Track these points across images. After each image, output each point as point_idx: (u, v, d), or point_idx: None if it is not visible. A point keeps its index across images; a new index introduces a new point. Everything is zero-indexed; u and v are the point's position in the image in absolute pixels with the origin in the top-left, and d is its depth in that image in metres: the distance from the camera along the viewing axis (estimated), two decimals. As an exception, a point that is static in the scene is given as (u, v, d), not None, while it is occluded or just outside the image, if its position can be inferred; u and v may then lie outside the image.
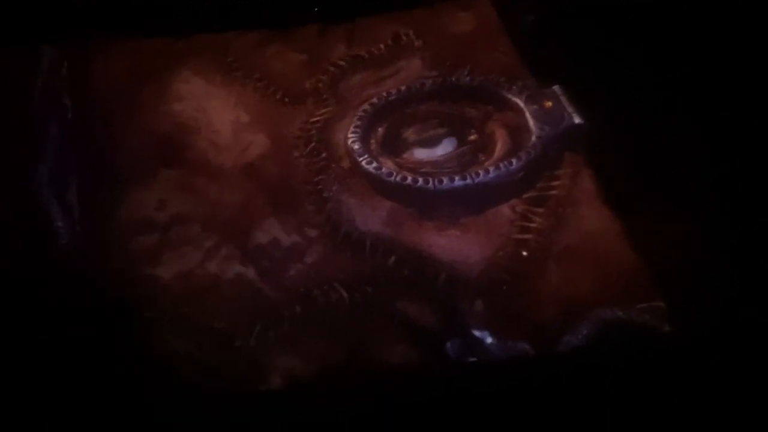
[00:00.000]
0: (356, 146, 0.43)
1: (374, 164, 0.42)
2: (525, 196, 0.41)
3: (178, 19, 0.49)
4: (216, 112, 0.46)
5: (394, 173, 0.42)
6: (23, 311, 0.37)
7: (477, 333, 0.37)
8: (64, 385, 0.35)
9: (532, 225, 0.40)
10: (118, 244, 0.40)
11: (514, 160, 0.42)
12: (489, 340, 0.37)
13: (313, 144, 0.44)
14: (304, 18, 0.49)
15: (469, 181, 0.41)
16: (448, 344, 0.37)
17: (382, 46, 0.48)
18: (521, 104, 0.45)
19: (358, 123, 0.44)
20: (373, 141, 0.44)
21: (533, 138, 0.43)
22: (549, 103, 0.44)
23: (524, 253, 0.40)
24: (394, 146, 0.44)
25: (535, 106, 0.44)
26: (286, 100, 0.46)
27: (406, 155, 0.43)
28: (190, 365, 0.36)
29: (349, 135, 0.43)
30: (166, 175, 0.43)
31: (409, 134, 0.44)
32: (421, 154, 0.43)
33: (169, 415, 0.35)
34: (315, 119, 0.45)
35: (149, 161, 0.43)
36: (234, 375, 0.37)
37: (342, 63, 0.48)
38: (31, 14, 0.47)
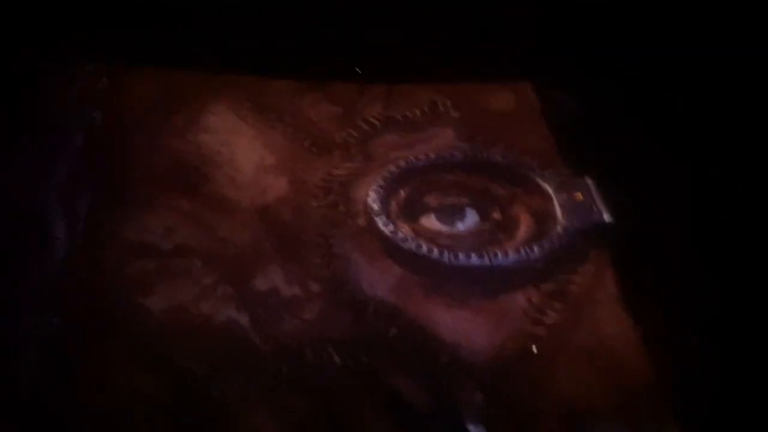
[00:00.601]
0: (375, 205, 0.42)
1: (390, 227, 0.41)
2: (543, 287, 0.39)
3: (220, 58, 0.49)
4: (241, 149, 0.45)
5: (410, 239, 0.40)
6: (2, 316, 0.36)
7: (470, 425, 0.35)
8: (17, 404, 0.33)
9: (546, 319, 0.38)
10: (115, 265, 0.39)
11: (536, 247, 0.40)
12: (483, 437, 0.34)
13: (332, 196, 0.43)
14: (345, 77, 0.49)
15: (486, 260, 0.40)
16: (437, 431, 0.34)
17: (417, 111, 0.48)
18: (550, 191, 0.43)
19: (381, 183, 0.43)
20: (393, 203, 0.43)
21: (558, 228, 0.41)
22: (580, 195, 0.43)
23: (534, 349, 0.37)
24: (413, 213, 0.42)
25: (564, 195, 0.43)
26: (314, 149, 0.46)
27: (424, 223, 0.42)
28: (157, 407, 0.34)
29: (370, 193, 0.42)
30: (178, 203, 0.42)
31: (431, 199, 0.42)
32: (439, 225, 0.42)
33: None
34: (339, 172, 0.45)
35: (164, 187, 0.42)
36: (202, 426, 0.34)
37: (375, 121, 0.48)
38: (80, 29, 0.48)
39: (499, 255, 0.40)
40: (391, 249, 0.40)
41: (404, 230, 0.41)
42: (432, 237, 0.41)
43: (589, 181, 0.44)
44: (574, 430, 0.34)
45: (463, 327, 0.38)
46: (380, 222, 0.41)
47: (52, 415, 0.33)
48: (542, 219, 0.42)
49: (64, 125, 0.44)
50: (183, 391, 0.35)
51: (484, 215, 0.42)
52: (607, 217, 0.42)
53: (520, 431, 0.35)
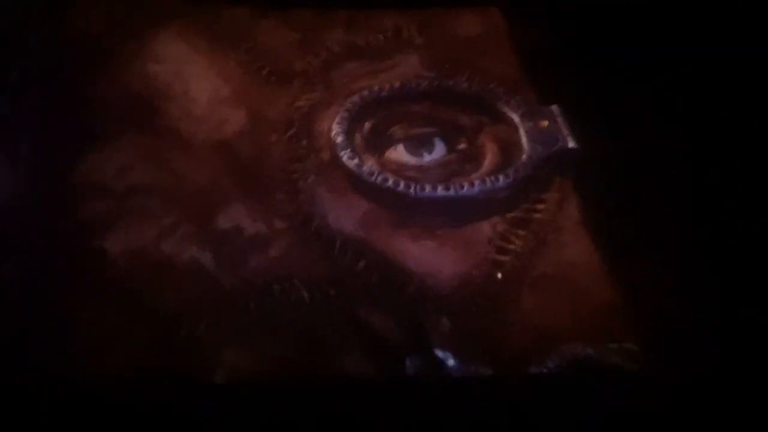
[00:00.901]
0: (339, 138, 0.41)
1: (356, 160, 0.40)
2: (508, 215, 0.40)
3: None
4: (195, 80, 0.43)
5: (376, 173, 0.40)
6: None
7: (439, 352, 0.36)
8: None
9: (511, 247, 0.39)
10: (68, 208, 0.37)
11: (501, 177, 0.40)
12: (451, 361, 0.35)
13: (294, 129, 0.42)
14: (303, 3, 0.46)
15: (452, 192, 0.39)
16: (408, 360, 0.35)
17: (381, 37, 0.46)
18: (516, 119, 0.43)
19: (345, 114, 0.42)
20: (357, 135, 0.41)
21: (524, 156, 0.41)
22: (545, 123, 0.43)
23: (499, 275, 0.38)
24: (379, 144, 0.41)
25: (530, 124, 0.42)
26: (272, 79, 0.44)
27: (390, 155, 0.41)
28: (127, 347, 0.34)
29: (334, 126, 0.41)
30: (131, 139, 0.40)
31: (396, 130, 0.41)
32: (406, 156, 0.41)
33: (97, 396, 0.33)
34: (300, 103, 0.43)
35: (116, 122, 0.40)
36: (174, 364, 0.34)
37: (337, 48, 0.45)
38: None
39: (465, 186, 0.39)
40: (357, 183, 0.40)
41: (370, 163, 0.40)
42: (398, 169, 0.40)
43: (555, 108, 0.43)
44: (540, 352, 0.36)
45: (430, 257, 0.38)
46: (345, 155, 0.40)
47: (16, 365, 0.32)
48: (508, 148, 0.42)
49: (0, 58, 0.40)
50: (151, 330, 0.34)
51: (450, 146, 0.41)
52: (571, 143, 0.42)
53: (487, 356, 0.36)
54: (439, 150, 0.41)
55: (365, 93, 0.42)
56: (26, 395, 0.32)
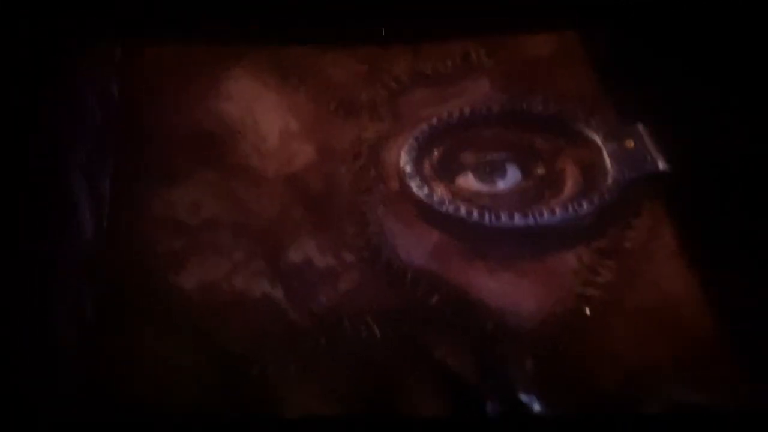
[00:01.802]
0: (408, 168, 0.39)
1: (425, 190, 0.38)
2: (594, 245, 0.37)
3: (237, 26, 0.47)
4: (265, 116, 0.43)
5: (447, 202, 0.38)
6: (32, 299, 0.35)
7: (523, 396, 0.33)
8: (55, 389, 0.32)
9: (600, 279, 0.36)
10: (144, 244, 0.38)
11: (584, 203, 0.37)
12: (536, 405, 0.32)
13: (362, 161, 0.41)
14: (367, 40, 0.46)
15: (531, 220, 0.37)
16: (488, 403, 0.33)
17: (449, 63, 0.45)
18: (598, 141, 0.40)
19: (414, 143, 0.40)
20: (427, 164, 0.40)
21: (609, 180, 0.38)
22: (631, 143, 0.39)
23: (587, 311, 0.35)
24: (449, 172, 0.40)
25: (614, 145, 0.40)
26: (340, 111, 0.44)
27: (462, 183, 0.39)
28: (197, 385, 0.33)
29: (402, 155, 0.40)
30: (203, 176, 0.40)
31: (467, 156, 0.40)
32: (479, 184, 0.39)
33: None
34: (368, 135, 0.42)
35: (188, 159, 0.41)
36: (245, 404, 0.33)
37: (404, 78, 0.45)
38: (89, 1, 0.47)
39: (545, 213, 0.37)
40: (428, 213, 0.38)
41: (440, 192, 0.38)
42: (471, 198, 0.38)
43: (641, 128, 0.40)
44: (636, 395, 0.32)
45: (509, 292, 0.35)
46: (414, 185, 0.39)
47: (92, 401, 0.33)
48: (591, 171, 0.39)
49: (80, 101, 0.42)
50: (222, 369, 0.34)
51: (526, 171, 0.39)
52: (662, 165, 0.39)
53: (576, 398, 0.33)
54: (514, 176, 0.39)
55: (434, 120, 0.41)
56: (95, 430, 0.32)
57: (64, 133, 0.41)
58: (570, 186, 0.38)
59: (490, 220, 0.37)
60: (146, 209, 0.39)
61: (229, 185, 0.40)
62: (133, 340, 0.35)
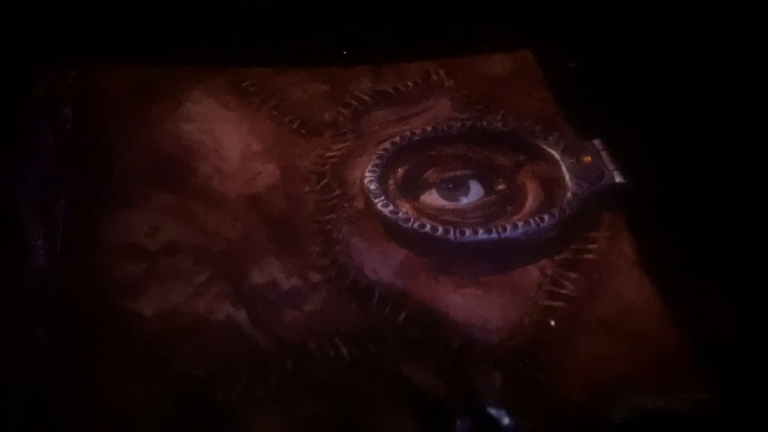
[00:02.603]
0: (372, 186, 0.39)
1: (390, 207, 0.39)
2: (556, 257, 0.37)
3: (195, 48, 0.46)
4: (226, 137, 0.43)
5: (412, 219, 0.38)
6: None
7: (492, 411, 0.33)
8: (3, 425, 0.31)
9: (563, 291, 0.36)
10: (100, 271, 0.36)
11: (546, 217, 0.38)
12: (505, 420, 0.32)
13: (326, 180, 0.41)
14: (329, 61, 0.47)
15: (494, 235, 0.37)
16: (458, 421, 0.32)
17: (410, 83, 0.46)
18: (557, 156, 0.41)
19: (377, 162, 0.41)
20: (391, 182, 0.40)
21: (568, 194, 0.39)
22: (588, 158, 0.41)
23: (552, 323, 0.35)
24: (413, 190, 0.40)
25: (572, 160, 0.41)
26: (303, 131, 0.43)
27: (426, 200, 0.39)
28: (159, 415, 0.32)
29: (366, 174, 0.40)
30: (163, 199, 0.39)
31: (430, 174, 0.40)
32: (443, 201, 0.39)
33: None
34: (331, 154, 0.42)
35: (146, 182, 0.40)
36: (209, 431, 0.32)
37: (365, 98, 0.45)
38: (40, 27, 0.46)
39: (508, 228, 0.37)
40: (393, 230, 0.38)
41: (405, 209, 0.39)
42: (435, 214, 0.39)
43: (597, 143, 0.41)
44: (602, 404, 0.32)
45: (475, 306, 0.36)
46: (379, 203, 0.39)
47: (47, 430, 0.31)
48: (550, 186, 0.40)
49: (32, 125, 0.41)
50: (184, 397, 0.33)
51: (488, 187, 0.40)
52: (618, 177, 0.40)
53: (545, 411, 0.33)
54: (477, 192, 0.40)
55: (396, 139, 0.42)
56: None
57: (12, 158, 0.39)
58: (531, 201, 0.39)
59: (455, 236, 0.37)
60: (103, 234, 0.38)
61: (189, 208, 0.39)
62: (88, 371, 0.33)
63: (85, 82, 0.44)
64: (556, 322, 0.35)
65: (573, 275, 0.37)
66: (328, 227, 0.39)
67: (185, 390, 0.33)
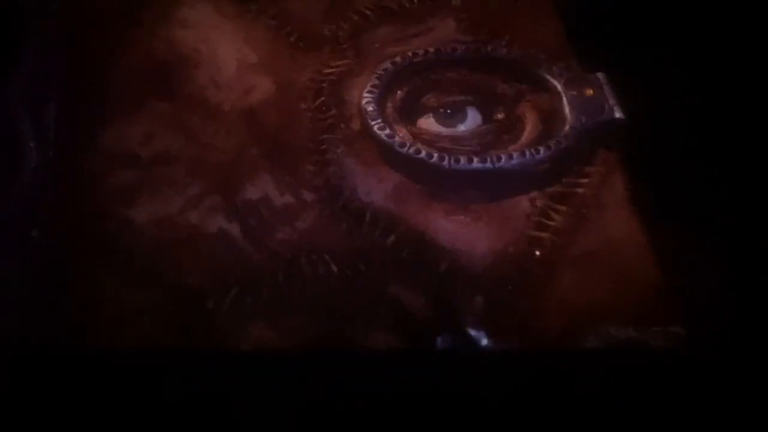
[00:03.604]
0: (370, 108, 0.39)
1: (387, 131, 0.38)
2: (548, 190, 0.37)
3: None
4: (221, 46, 0.41)
5: (408, 144, 0.38)
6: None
7: (472, 331, 0.34)
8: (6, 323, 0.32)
9: (551, 223, 0.37)
10: (94, 177, 0.36)
11: (541, 149, 0.38)
12: (483, 340, 0.34)
13: (323, 98, 0.40)
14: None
15: (488, 164, 0.37)
16: (438, 338, 0.34)
17: (415, 0, 0.44)
18: (559, 87, 0.40)
19: (376, 82, 0.40)
20: (389, 105, 0.40)
21: (567, 127, 0.39)
22: (590, 91, 0.40)
23: (537, 253, 0.36)
24: (411, 114, 0.39)
25: (573, 92, 0.40)
26: (301, 44, 0.42)
27: (422, 124, 0.39)
28: (151, 319, 0.33)
29: (364, 94, 0.39)
30: (156, 107, 0.39)
31: (429, 99, 0.39)
32: (440, 127, 0.39)
33: (118, 369, 0.32)
34: (329, 70, 0.41)
35: (140, 90, 0.39)
36: (199, 338, 0.33)
37: (368, 12, 0.43)
38: None
39: (503, 158, 0.37)
40: (388, 154, 0.38)
41: (401, 134, 0.38)
42: (431, 140, 0.38)
43: (601, 76, 0.40)
44: (578, 332, 0.34)
45: (463, 233, 0.36)
46: (376, 126, 0.38)
47: (40, 335, 0.32)
48: (549, 118, 0.39)
49: (21, 28, 0.39)
50: (176, 304, 0.34)
51: (487, 115, 0.39)
52: (618, 113, 0.39)
53: (522, 335, 0.34)
54: (475, 120, 0.39)
55: (397, 59, 0.40)
56: (47, 368, 0.32)
57: (2, 61, 0.38)
58: (528, 131, 0.39)
59: (450, 163, 0.37)
60: (95, 141, 0.37)
61: (183, 117, 0.39)
62: (82, 276, 0.34)
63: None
64: (541, 253, 0.36)
65: (562, 208, 0.37)
66: (323, 147, 0.39)
67: (177, 297, 0.34)
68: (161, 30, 0.41)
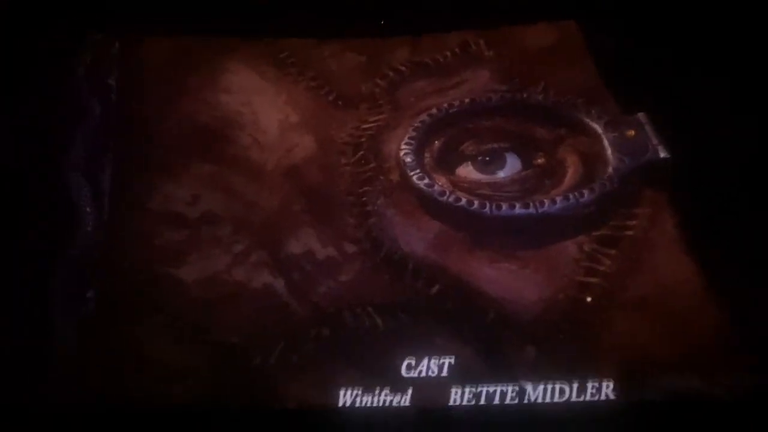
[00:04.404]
0: (408, 159, 0.39)
1: (426, 180, 0.38)
2: (595, 233, 0.37)
3: (234, 20, 0.47)
4: (264, 108, 0.43)
5: (447, 192, 0.38)
6: (32, 295, 0.35)
7: (523, 383, 0.33)
8: (51, 385, 0.32)
9: (600, 268, 0.36)
10: (144, 238, 0.38)
11: (585, 192, 0.37)
12: (536, 393, 0.32)
13: (362, 152, 0.41)
14: (366, 33, 0.46)
15: (531, 210, 0.37)
16: (491, 390, 0.33)
17: (448, 53, 0.45)
18: (599, 130, 0.40)
19: (413, 134, 0.40)
20: (427, 155, 0.40)
21: (610, 169, 0.38)
22: (631, 132, 0.39)
23: (588, 299, 0.35)
24: (450, 163, 0.40)
25: (614, 134, 0.39)
26: (339, 102, 0.43)
27: (462, 173, 0.39)
28: (198, 378, 0.33)
29: (402, 146, 0.40)
30: (202, 169, 0.40)
31: (467, 147, 0.39)
32: (479, 174, 0.39)
33: (168, 428, 0.32)
34: (367, 126, 0.42)
35: (187, 153, 0.41)
36: (245, 395, 0.33)
37: (402, 68, 0.45)
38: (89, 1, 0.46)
39: (546, 203, 0.37)
40: (428, 203, 0.38)
41: (441, 183, 0.38)
42: (471, 188, 0.38)
43: (641, 116, 0.40)
44: (636, 383, 0.32)
45: (509, 281, 0.35)
46: (415, 175, 0.38)
47: (92, 393, 0.33)
48: (591, 161, 0.39)
49: (79, 96, 0.42)
50: (222, 362, 0.34)
51: (526, 161, 0.39)
52: (663, 153, 0.39)
53: (578, 386, 0.33)
54: (514, 166, 0.39)
55: (433, 111, 0.41)
56: (97, 427, 0.32)
57: (62, 129, 0.41)
58: (571, 175, 0.38)
59: (491, 209, 0.37)
60: (146, 203, 0.39)
61: (228, 178, 0.40)
62: (132, 334, 0.34)
63: (128, 52, 0.45)
64: (592, 299, 0.35)
65: (611, 252, 0.36)
66: (364, 199, 0.39)
67: (223, 355, 0.34)
68: (206, 95, 0.43)
